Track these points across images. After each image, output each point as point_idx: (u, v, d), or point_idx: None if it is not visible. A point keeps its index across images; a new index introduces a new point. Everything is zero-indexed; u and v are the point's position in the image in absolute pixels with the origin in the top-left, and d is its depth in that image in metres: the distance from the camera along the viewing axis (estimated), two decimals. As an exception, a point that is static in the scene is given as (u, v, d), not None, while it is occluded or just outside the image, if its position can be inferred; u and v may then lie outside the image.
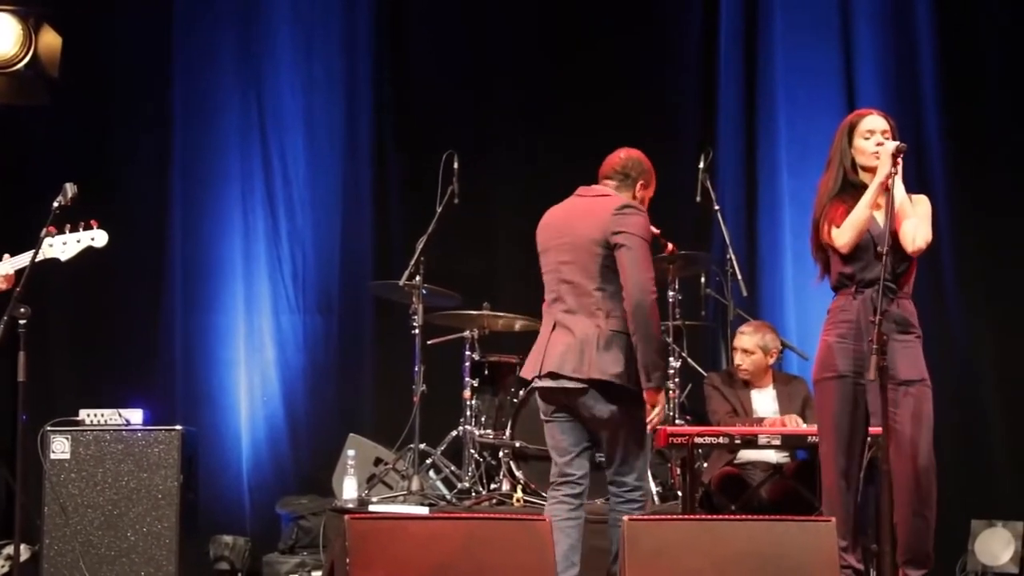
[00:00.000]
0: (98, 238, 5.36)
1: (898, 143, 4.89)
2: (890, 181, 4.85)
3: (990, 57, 7.77)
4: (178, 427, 6.49)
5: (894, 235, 4.90)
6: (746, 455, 6.48)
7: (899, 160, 4.87)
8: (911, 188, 5.11)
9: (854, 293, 4.95)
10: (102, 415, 6.47)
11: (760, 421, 6.31)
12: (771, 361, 6.63)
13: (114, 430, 6.42)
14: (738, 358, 6.57)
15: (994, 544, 6.91)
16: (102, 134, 7.98)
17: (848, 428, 4.90)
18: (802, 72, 8.02)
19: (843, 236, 4.94)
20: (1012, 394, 7.57)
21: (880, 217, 4.92)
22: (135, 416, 6.50)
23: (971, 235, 7.54)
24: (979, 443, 7.56)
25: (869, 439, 5.00)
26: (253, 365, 7.94)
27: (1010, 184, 7.71)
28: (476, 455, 6.81)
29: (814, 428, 6.07)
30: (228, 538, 7.08)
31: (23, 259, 5.29)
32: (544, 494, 6.33)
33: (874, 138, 4.98)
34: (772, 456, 6.46)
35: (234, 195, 8.04)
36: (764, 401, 6.58)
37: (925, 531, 4.89)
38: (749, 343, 6.57)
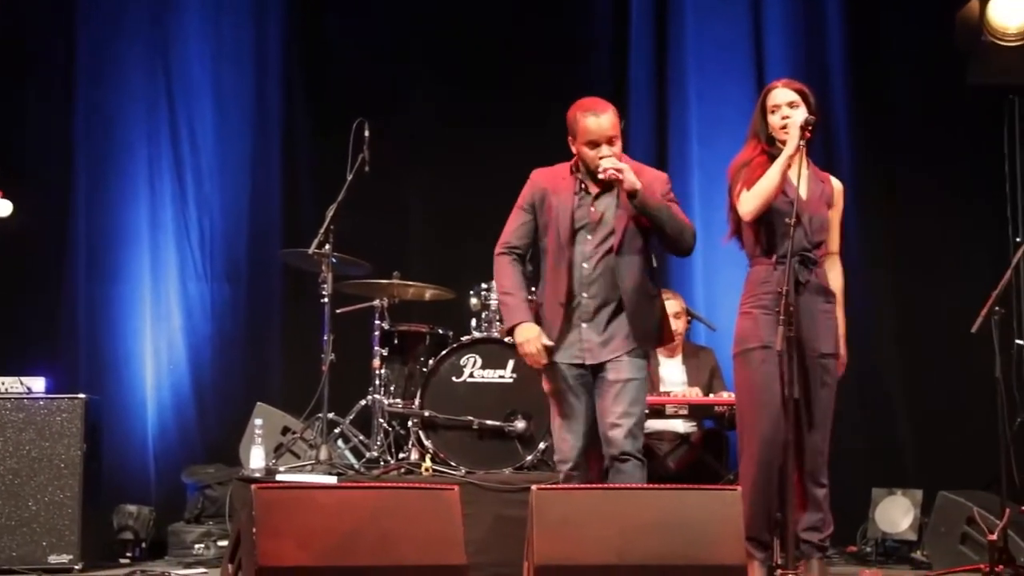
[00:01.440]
0: (2, 207, 5.26)
1: (806, 116, 4.95)
2: (799, 153, 4.92)
3: (894, 25, 7.91)
4: (81, 395, 6.41)
5: (827, 217, 5.02)
6: (653, 425, 6.53)
7: (808, 133, 4.94)
8: (818, 154, 5.19)
9: (775, 264, 4.99)
10: (2, 383, 6.38)
11: (667, 393, 6.37)
12: (686, 327, 6.71)
13: (15, 398, 6.33)
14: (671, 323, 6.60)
15: (894, 512, 7.02)
16: (3, 101, 7.80)
17: (768, 399, 4.94)
18: (712, 42, 8.08)
19: (747, 204, 4.99)
20: (913, 366, 7.72)
21: (802, 188, 4.98)
22: (37, 384, 6.41)
23: (875, 204, 7.66)
24: (881, 413, 7.70)
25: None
26: (159, 333, 7.84)
27: (914, 150, 7.85)
28: (385, 424, 6.79)
29: (721, 398, 6.16)
30: (132, 507, 7.00)
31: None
32: (452, 463, 6.35)
33: (779, 112, 5.04)
34: (679, 426, 6.52)
35: (140, 162, 7.91)
36: (673, 372, 6.63)
37: (824, 498, 4.98)
38: (678, 307, 6.63)
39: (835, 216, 5.18)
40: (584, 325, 5.00)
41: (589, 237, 5.00)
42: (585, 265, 4.99)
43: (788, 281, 4.79)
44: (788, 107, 5.02)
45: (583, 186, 5.03)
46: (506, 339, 5.23)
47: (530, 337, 4.97)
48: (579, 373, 5.02)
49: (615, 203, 5.01)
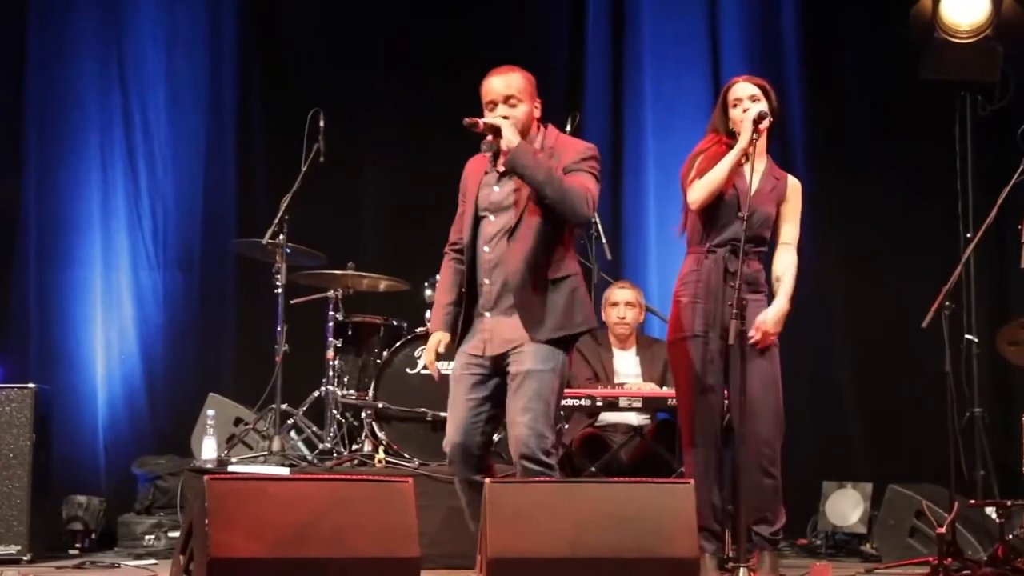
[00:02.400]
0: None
1: (760, 110, 4.97)
2: (752, 148, 4.94)
3: (848, 21, 7.98)
4: (31, 385, 6.36)
5: (773, 218, 5.04)
6: (607, 417, 6.55)
7: (760, 127, 4.96)
8: (772, 149, 5.21)
9: (706, 253, 5.03)
10: (-49, 372, 6.32)
11: (620, 386, 6.39)
12: (640, 319, 6.74)
13: (-37, 388, 6.26)
14: (621, 311, 6.62)
15: (844, 505, 7.09)
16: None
17: (703, 387, 4.99)
18: (669, 35, 8.12)
19: (695, 193, 5.02)
20: (863, 360, 7.79)
21: (753, 182, 5.01)
22: (-14, 373, 6.36)
23: (829, 198, 7.71)
24: (831, 407, 7.77)
25: (727, 401, 5.10)
26: (110, 322, 7.77)
27: (867, 146, 7.92)
28: (338, 416, 6.78)
29: (673, 391, 6.18)
30: (82, 498, 6.93)
31: None
32: (406, 455, 6.34)
33: (740, 106, 5.06)
34: (633, 418, 6.54)
35: (92, 148, 7.84)
36: (627, 364, 6.65)
37: (774, 491, 5.01)
38: (631, 296, 6.65)
39: (787, 209, 5.17)
40: (487, 314, 4.69)
41: (492, 219, 4.70)
42: (486, 249, 4.69)
43: (740, 272, 4.81)
44: (749, 100, 5.05)
45: (492, 162, 4.74)
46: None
47: (427, 347, 4.80)
48: (476, 363, 4.70)
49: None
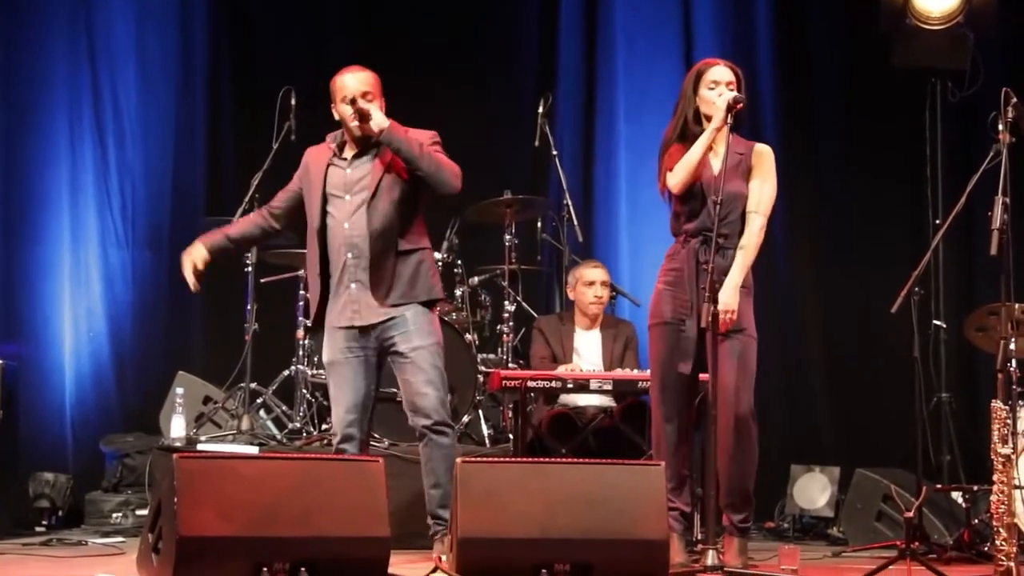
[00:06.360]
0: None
1: (735, 95, 4.97)
2: (722, 132, 4.94)
3: (820, 6, 8.01)
4: (-2, 361, 6.32)
5: (745, 193, 5.02)
6: (575, 399, 6.56)
7: (733, 112, 4.96)
8: (742, 134, 5.19)
9: (684, 241, 5.05)
10: (-84, 348, 6.27)
11: (579, 368, 6.40)
12: (608, 298, 6.76)
13: (-71, 363, 6.22)
14: (598, 290, 6.62)
15: (811, 488, 7.12)
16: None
17: (672, 373, 5.01)
18: (641, 19, 8.12)
19: (674, 177, 5.01)
20: (833, 347, 7.83)
21: (716, 165, 5.00)
22: (-48, 350, 6.31)
23: (798, 183, 7.72)
24: (799, 391, 7.81)
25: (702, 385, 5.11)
26: (79, 300, 7.71)
27: (838, 131, 7.95)
28: (308, 395, 6.76)
29: (644, 374, 6.20)
30: (49, 475, 6.90)
31: None
32: (377, 435, 6.33)
33: (718, 88, 5.04)
34: (601, 400, 6.55)
35: (61, 124, 7.76)
36: (590, 343, 6.66)
37: (744, 476, 5.03)
38: (605, 276, 6.66)
39: (756, 177, 5.07)
40: (353, 286, 5.02)
41: (348, 198, 5.03)
42: (347, 225, 5.02)
43: (712, 259, 4.81)
44: (726, 86, 5.03)
45: (339, 150, 5.12)
46: None
47: (185, 257, 5.26)
48: (353, 335, 5.05)
49: (371, 160, 5.06)
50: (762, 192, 5.06)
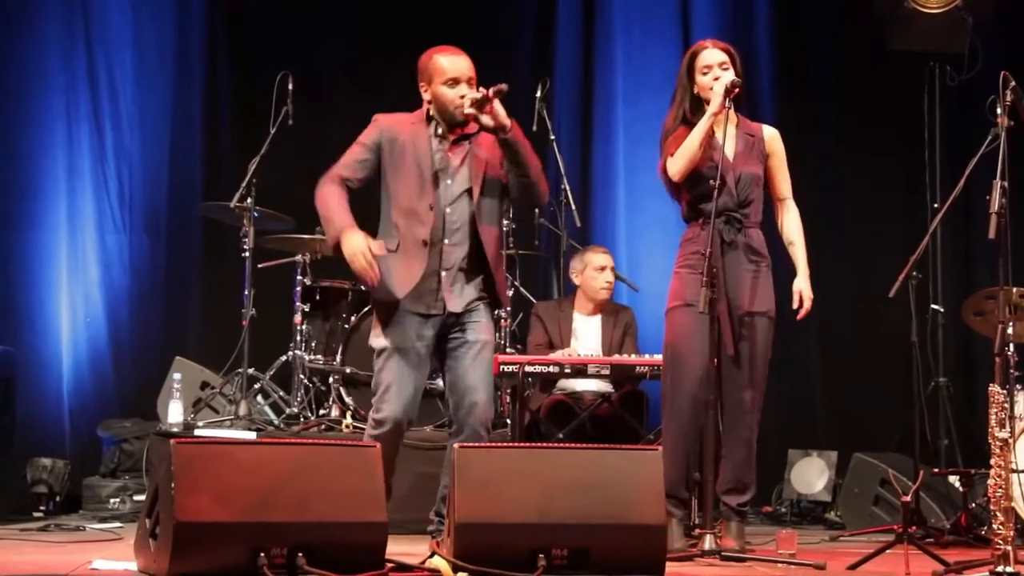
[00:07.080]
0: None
1: (732, 79, 4.96)
2: (723, 115, 4.93)
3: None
4: (-5, 347, 6.31)
5: (761, 176, 5.04)
6: (573, 384, 6.56)
7: (731, 96, 4.95)
8: (744, 115, 5.19)
9: (702, 224, 5.02)
10: (-88, 334, 6.26)
11: (577, 353, 6.40)
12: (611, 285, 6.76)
13: (-74, 349, 6.21)
14: (608, 276, 6.61)
15: (809, 473, 7.13)
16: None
17: (693, 356, 4.97)
18: (639, 2, 8.09)
19: (674, 165, 5.01)
20: (830, 329, 7.82)
21: (728, 148, 5.01)
22: (-51, 335, 6.30)
23: (796, 168, 7.67)
24: (797, 376, 7.80)
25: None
26: (76, 285, 7.70)
27: (836, 115, 7.94)
28: (306, 380, 6.77)
29: (643, 359, 6.20)
30: (46, 461, 6.90)
31: None
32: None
33: (711, 73, 5.03)
34: (600, 385, 6.54)
35: (57, 109, 7.74)
36: (589, 329, 6.66)
37: (749, 461, 5.04)
38: (607, 262, 6.65)
39: (774, 163, 5.19)
40: (444, 273, 4.72)
41: (449, 183, 4.75)
42: (448, 210, 4.74)
43: (712, 243, 4.81)
44: (720, 68, 5.03)
45: (440, 131, 4.79)
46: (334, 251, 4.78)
47: (357, 249, 4.59)
48: (427, 323, 4.73)
49: (470, 151, 4.78)
50: (787, 177, 5.21)
